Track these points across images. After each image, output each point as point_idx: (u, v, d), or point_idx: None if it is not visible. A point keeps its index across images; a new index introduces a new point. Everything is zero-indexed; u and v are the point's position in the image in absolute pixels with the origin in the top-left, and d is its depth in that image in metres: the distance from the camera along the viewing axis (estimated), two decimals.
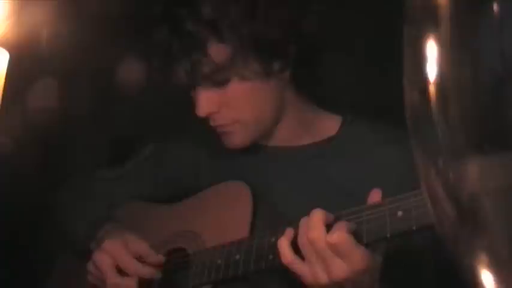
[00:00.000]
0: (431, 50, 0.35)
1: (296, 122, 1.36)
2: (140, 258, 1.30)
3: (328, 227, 1.10)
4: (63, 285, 1.49)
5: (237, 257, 1.22)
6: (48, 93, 1.87)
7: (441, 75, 0.35)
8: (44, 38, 1.72)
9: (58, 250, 1.53)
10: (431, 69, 0.35)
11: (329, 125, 1.37)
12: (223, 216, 1.31)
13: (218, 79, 1.27)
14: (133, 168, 1.51)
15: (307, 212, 1.13)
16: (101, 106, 1.96)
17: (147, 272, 1.29)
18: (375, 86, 1.76)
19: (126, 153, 1.57)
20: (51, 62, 1.76)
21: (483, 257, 0.34)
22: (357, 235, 1.09)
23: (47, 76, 1.83)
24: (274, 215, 1.27)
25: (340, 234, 1.08)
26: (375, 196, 1.12)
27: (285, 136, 1.36)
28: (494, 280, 0.34)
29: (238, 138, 1.32)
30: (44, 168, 1.94)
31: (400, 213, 1.06)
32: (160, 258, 1.31)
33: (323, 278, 1.08)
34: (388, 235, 1.07)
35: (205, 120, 1.32)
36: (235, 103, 1.29)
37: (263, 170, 1.36)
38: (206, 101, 1.29)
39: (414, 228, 1.04)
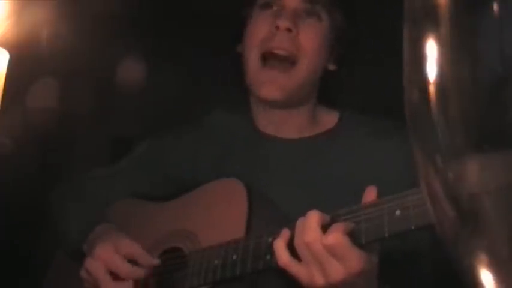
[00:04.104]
0: (431, 50, 0.35)
1: (306, 115, 1.40)
2: (133, 261, 1.29)
3: (325, 227, 1.09)
4: (59, 285, 1.48)
5: (234, 257, 1.22)
6: (48, 93, 1.87)
7: (441, 75, 0.35)
8: (44, 38, 1.72)
9: (56, 250, 1.53)
10: (431, 69, 0.35)
11: (328, 119, 1.41)
12: (218, 215, 1.30)
13: (316, 10, 1.35)
14: (127, 165, 1.51)
15: (305, 208, 1.12)
16: (101, 106, 1.96)
17: (140, 273, 1.28)
18: (374, 86, 1.76)
19: (126, 153, 1.57)
20: (51, 62, 1.76)
21: (483, 257, 0.34)
22: (355, 235, 1.09)
23: (47, 76, 1.84)
24: (271, 212, 1.27)
25: (336, 236, 1.07)
26: (370, 193, 1.12)
27: (291, 128, 1.39)
28: (494, 280, 0.34)
29: (279, 87, 1.33)
30: (44, 168, 1.94)
31: (398, 212, 1.05)
32: (153, 259, 1.30)
33: (319, 280, 1.08)
34: (387, 235, 1.06)
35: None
36: (309, 36, 1.34)
37: (263, 162, 1.37)
38: (293, 15, 1.34)
39: (413, 227, 1.03)
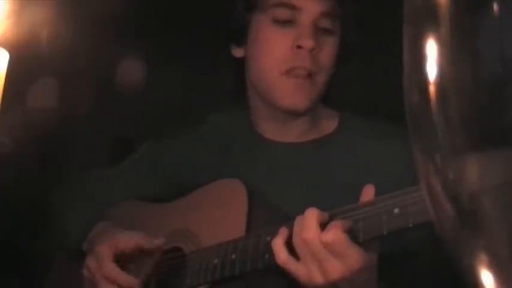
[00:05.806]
0: (431, 50, 0.35)
1: (309, 120, 1.38)
2: (141, 251, 1.29)
3: (323, 226, 1.09)
4: (61, 285, 1.48)
5: (233, 256, 1.22)
6: (48, 93, 1.87)
7: (441, 75, 0.35)
8: (44, 38, 1.72)
9: (57, 250, 1.53)
10: (431, 69, 0.35)
11: (328, 121, 1.40)
12: (219, 215, 1.31)
13: (331, 25, 1.34)
14: (128, 166, 1.51)
15: (303, 211, 1.12)
16: (101, 106, 1.96)
17: (126, 280, 1.28)
18: (374, 86, 1.76)
19: (126, 153, 1.57)
20: (51, 62, 1.76)
21: (483, 258, 0.34)
22: (353, 233, 1.09)
23: (47, 76, 1.84)
24: (271, 212, 1.27)
25: (334, 233, 1.07)
26: (368, 192, 1.12)
27: (293, 132, 1.39)
28: (494, 280, 0.34)
29: (306, 96, 1.33)
30: (44, 168, 1.94)
31: (396, 210, 1.06)
32: (157, 239, 1.29)
33: (318, 278, 1.08)
34: (385, 232, 1.07)
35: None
36: (327, 52, 1.33)
37: (261, 166, 1.37)
38: (315, 33, 1.32)
39: (411, 225, 1.04)
